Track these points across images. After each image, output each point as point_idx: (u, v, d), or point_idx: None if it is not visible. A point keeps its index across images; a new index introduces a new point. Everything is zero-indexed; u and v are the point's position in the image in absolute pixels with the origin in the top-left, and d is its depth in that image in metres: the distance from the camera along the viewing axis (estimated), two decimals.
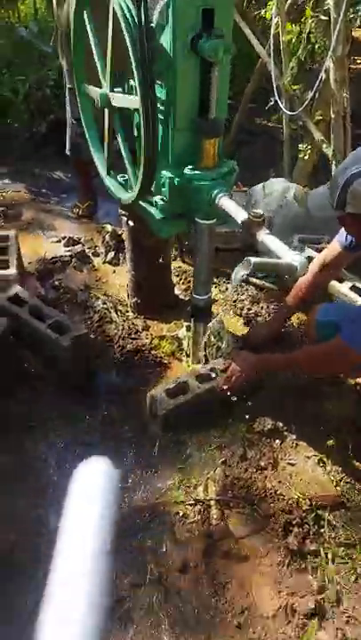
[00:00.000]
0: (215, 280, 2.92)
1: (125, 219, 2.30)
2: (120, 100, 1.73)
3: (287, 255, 1.34)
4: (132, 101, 1.61)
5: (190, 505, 1.75)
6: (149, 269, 2.47)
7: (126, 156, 1.79)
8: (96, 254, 3.16)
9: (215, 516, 1.70)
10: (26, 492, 1.78)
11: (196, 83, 1.56)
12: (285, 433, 2.02)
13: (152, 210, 1.85)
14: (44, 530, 1.67)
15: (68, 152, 3.32)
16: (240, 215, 1.51)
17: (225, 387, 2.02)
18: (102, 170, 2.07)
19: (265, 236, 1.43)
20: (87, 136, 2.12)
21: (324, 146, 3.03)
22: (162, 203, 1.78)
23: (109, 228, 3.22)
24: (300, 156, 3.21)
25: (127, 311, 2.66)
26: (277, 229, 2.98)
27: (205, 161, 1.65)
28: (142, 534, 1.67)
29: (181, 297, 2.77)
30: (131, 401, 2.17)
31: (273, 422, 2.03)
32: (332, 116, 2.89)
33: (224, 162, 1.72)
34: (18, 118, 4.48)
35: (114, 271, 3.01)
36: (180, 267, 2.99)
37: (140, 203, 1.89)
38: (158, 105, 1.63)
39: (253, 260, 1.35)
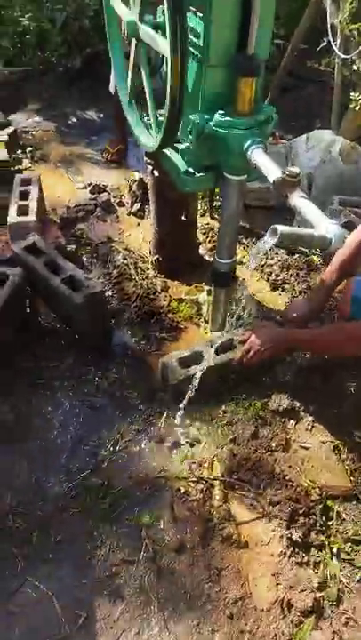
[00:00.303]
0: (244, 241, 2.70)
1: (150, 167, 2.08)
2: (148, 36, 1.47)
3: (321, 224, 1.12)
4: (161, 43, 1.36)
5: (193, 482, 1.63)
6: (173, 225, 2.26)
7: (150, 94, 1.55)
8: (121, 204, 2.95)
9: (218, 498, 1.58)
10: (26, 452, 1.71)
11: (236, 9, 1.29)
12: (302, 413, 1.86)
13: (177, 160, 1.63)
14: (42, 494, 1.60)
15: (111, 89, 2.99)
16: (273, 172, 1.28)
17: (242, 360, 1.86)
18: (123, 99, 1.82)
19: (298, 200, 1.20)
20: (111, 55, 1.86)
21: None
22: (187, 152, 1.56)
23: (137, 176, 3.00)
24: (351, 106, 2.83)
25: (148, 269, 2.49)
26: (318, 188, 2.69)
27: (240, 105, 1.40)
28: (140, 508, 1.58)
29: (206, 257, 2.56)
30: (144, 365, 2.04)
31: (290, 401, 1.87)
32: None
33: (262, 108, 1.46)
34: (54, 51, 4.16)
35: (138, 224, 2.81)
36: (207, 223, 2.77)
37: (165, 151, 1.67)
38: (190, 36, 1.37)
39: (281, 228, 1.13)
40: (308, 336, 1.85)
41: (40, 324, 2.16)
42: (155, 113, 1.58)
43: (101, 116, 3.86)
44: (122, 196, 3.01)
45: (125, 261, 2.51)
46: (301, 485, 1.62)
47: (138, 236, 2.72)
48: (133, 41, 1.59)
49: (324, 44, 2.76)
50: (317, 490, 1.61)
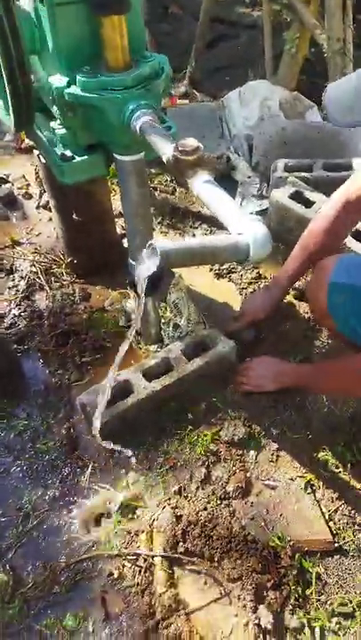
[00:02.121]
0: (179, 225, 2.39)
1: (37, 152, 1.73)
2: None
3: (231, 224, 0.81)
4: None
5: (130, 561, 1.34)
6: (79, 220, 1.92)
7: None
8: (28, 196, 2.59)
9: (161, 581, 1.30)
10: None
11: None
12: (263, 441, 1.59)
13: (50, 141, 1.29)
14: None
15: None
16: (163, 149, 0.96)
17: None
18: None
19: (200, 187, 0.89)
20: None
21: (318, 31, 2.32)
22: (60, 130, 1.22)
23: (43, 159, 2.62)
24: (286, 47, 2.49)
25: (62, 274, 2.15)
26: (259, 151, 2.37)
27: (109, 56, 1.06)
28: (61, 608, 1.28)
29: None
30: (60, 403, 1.73)
31: (246, 427, 1.60)
32: None
33: (145, 58, 1.13)
34: None
35: (50, 219, 2.46)
36: None
37: (37, 131, 1.33)
38: None
39: (161, 246, 0.79)
40: (312, 373, 1.61)
41: None
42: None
43: None
44: (28, 185, 2.65)
45: (34, 268, 2.17)
46: (268, 547, 1.34)
47: (51, 233, 2.37)
48: None
49: None
50: (289, 549, 1.34)
